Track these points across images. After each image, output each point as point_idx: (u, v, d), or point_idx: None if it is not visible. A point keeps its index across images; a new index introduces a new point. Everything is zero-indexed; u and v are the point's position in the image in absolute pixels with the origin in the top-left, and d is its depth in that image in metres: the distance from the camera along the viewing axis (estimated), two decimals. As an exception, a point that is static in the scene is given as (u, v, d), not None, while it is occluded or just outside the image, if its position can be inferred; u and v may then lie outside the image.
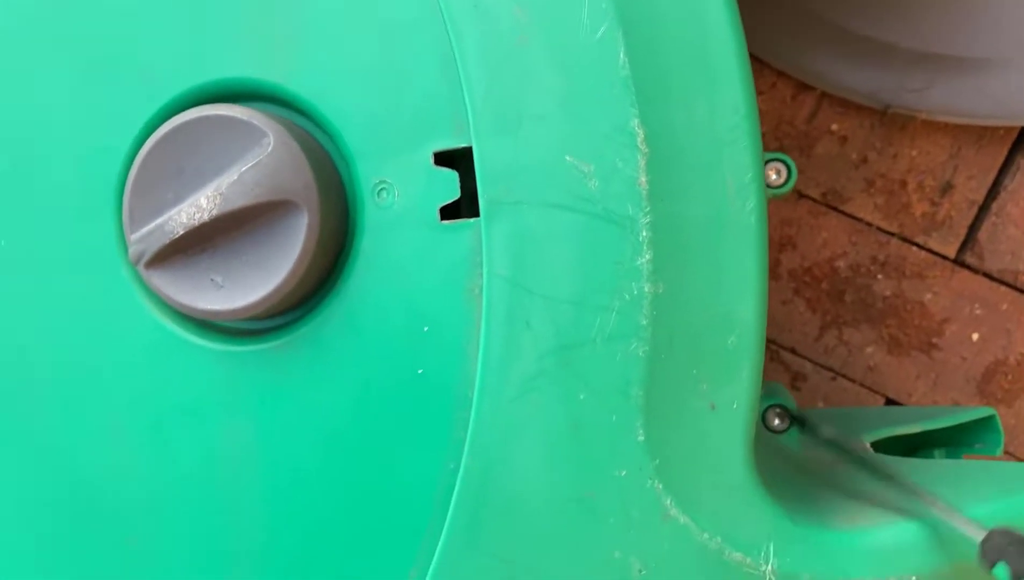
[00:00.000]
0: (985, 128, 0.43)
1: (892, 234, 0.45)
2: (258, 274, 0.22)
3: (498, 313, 0.22)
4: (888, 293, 0.45)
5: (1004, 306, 0.44)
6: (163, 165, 0.23)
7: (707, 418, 0.22)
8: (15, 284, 0.24)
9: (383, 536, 0.23)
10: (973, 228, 0.44)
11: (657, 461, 0.22)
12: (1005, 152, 0.43)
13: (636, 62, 0.21)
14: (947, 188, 0.44)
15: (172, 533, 0.24)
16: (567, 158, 0.21)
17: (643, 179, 0.21)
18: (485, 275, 0.22)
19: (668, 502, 0.22)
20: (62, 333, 0.24)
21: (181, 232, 0.22)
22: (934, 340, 0.44)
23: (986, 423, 0.37)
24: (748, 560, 0.22)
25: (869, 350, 0.45)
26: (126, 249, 0.24)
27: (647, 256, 0.21)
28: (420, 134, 0.22)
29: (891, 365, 0.45)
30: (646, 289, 0.21)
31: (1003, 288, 0.44)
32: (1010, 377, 0.44)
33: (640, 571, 0.22)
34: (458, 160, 0.22)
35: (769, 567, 0.22)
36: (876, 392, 0.46)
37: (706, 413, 0.22)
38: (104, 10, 0.23)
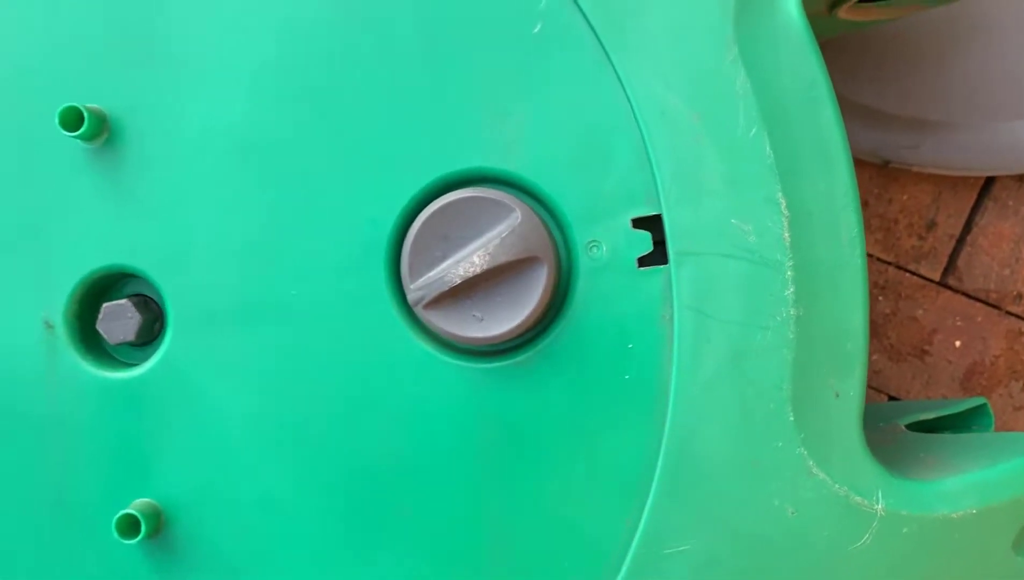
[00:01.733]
0: (960, 177, 0.54)
1: (889, 263, 0.55)
2: (510, 310, 0.31)
3: (686, 333, 0.30)
4: (887, 311, 0.55)
5: (979, 318, 0.54)
6: (433, 232, 0.31)
7: (833, 403, 0.31)
8: (306, 325, 0.32)
9: (602, 493, 0.31)
10: (953, 257, 0.54)
11: (802, 435, 0.30)
12: (975, 195, 0.54)
13: (777, 152, 0.30)
14: (931, 225, 0.54)
15: (442, 514, 0.32)
16: (732, 221, 0.30)
17: (786, 235, 0.30)
18: (675, 306, 0.30)
19: (811, 464, 0.30)
20: (345, 363, 0.32)
21: (458, 281, 0.30)
22: (925, 348, 0.55)
23: (980, 410, 0.47)
24: (866, 502, 0.31)
25: (874, 357, 0.55)
26: (397, 294, 0.32)
27: (791, 289, 0.30)
28: (621, 206, 0.31)
29: (891, 369, 0.55)
30: (791, 313, 0.30)
31: (978, 304, 0.54)
32: (986, 375, 0.54)
33: (792, 513, 0.31)
34: (650, 223, 0.31)
35: (880, 506, 0.31)
36: (880, 391, 0.56)
37: (832, 399, 0.31)
38: (372, 112, 0.32)
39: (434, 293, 0.30)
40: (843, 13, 0.39)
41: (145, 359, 0.33)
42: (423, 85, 0.31)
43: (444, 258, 0.31)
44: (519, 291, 0.30)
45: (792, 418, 0.30)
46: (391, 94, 0.31)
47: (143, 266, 0.32)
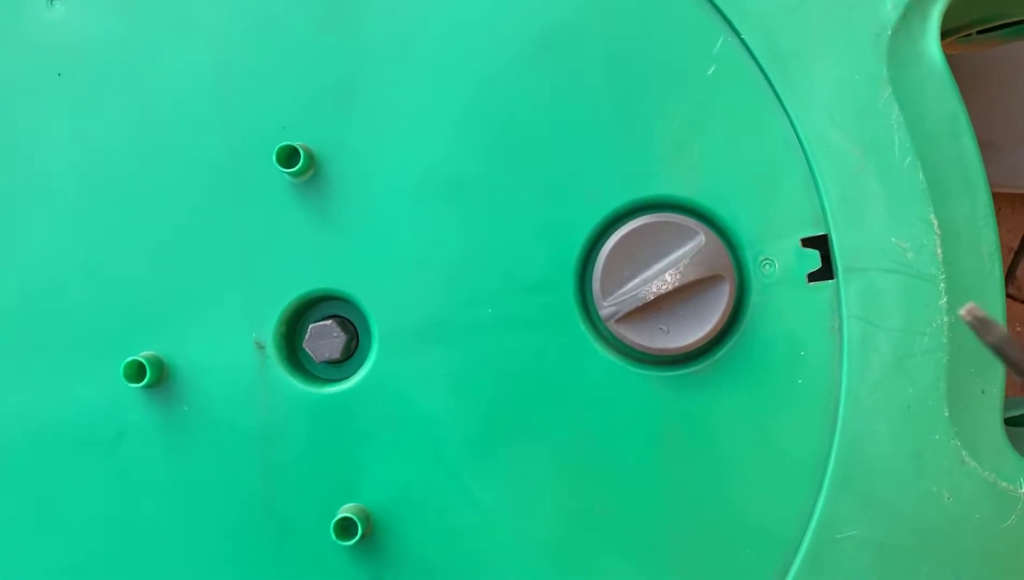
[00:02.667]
0: (1018, 194, 0.58)
1: (953, 274, 0.59)
2: (695, 324, 0.34)
3: (854, 340, 0.34)
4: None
5: (1037, 324, 0.58)
6: (623, 254, 0.34)
7: (980, 399, 0.35)
8: (502, 340, 0.35)
9: (779, 487, 0.34)
10: (1012, 267, 0.59)
11: (956, 428, 0.34)
12: (1031, 211, 0.59)
13: (928, 178, 0.34)
14: (992, 239, 0.58)
15: (637, 511, 0.35)
16: (892, 239, 0.34)
17: (939, 251, 0.34)
18: (843, 316, 0.34)
19: (964, 454, 0.34)
20: (539, 373, 0.35)
21: (652, 298, 0.34)
22: (989, 352, 0.59)
23: (1055, 408, 0.51)
24: (1011, 487, 0.35)
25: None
26: (583, 311, 0.35)
27: (944, 299, 0.34)
28: (791, 227, 0.34)
29: (957, 373, 0.59)
30: (945, 320, 0.34)
31: (1035, 311, 0.59)
32: (1046, 377, 0.59)
33: (948, 498, 0.34)
34: (818, 242, 0.35)
35: (1023, 491, 0.35)
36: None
37: (980, 397, 0.35)
38: (565, 147, 0.35)
39: (627, 309, 0.34)
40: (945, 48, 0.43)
41: (342, 376, 0.36)
42: (611, 123, 0.34)
43: (632, 277, 0.34)
44: (703, 306, 0.34)
45: (947, 414, 0.34)
46: (582, 130, 0.34)
47: (350, 289, 0.35)
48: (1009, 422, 0.48)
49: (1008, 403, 0.50)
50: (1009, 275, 0.57)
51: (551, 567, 0.35)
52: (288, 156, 0.34)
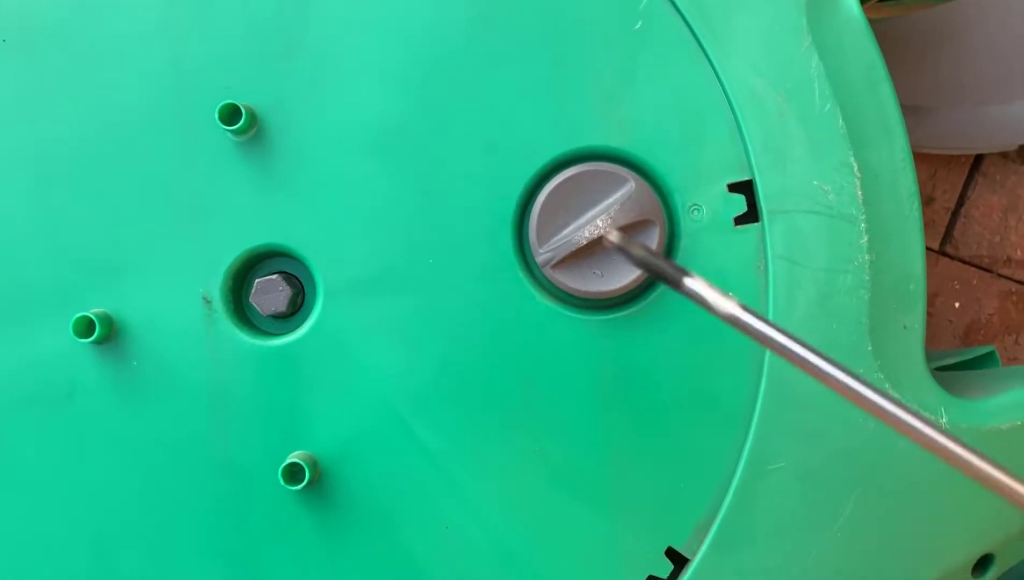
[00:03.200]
0: (953, 156, 0.60)
1: (893, 235, 0.61)
2: (627, 267, 0.35)
3: (779, 280, 0.35)
4: (894, 278, 0.61)
5: (974, 281, 0.61)
6: (557, 202, 0.36)
7: (902, 335, 0.36)
8: (443, 289, 0.36)
9: (712, 423, 0.36)
10: (949, 228, 0.61)
11: (879, 362, 0.36)
12: (967, 172, 0.61)
13: (848, 124, 0.36)
14: (930, 200, 0.60)
15: (573, 447, 0.36)
16: (815, 183, 0.36)
17: (859, 193, 0.36)
18: (769, 257, 0.36)
19: (887, 387, 0.36)
20: (480, 321, 0.36)
21: (585, 242, 0.35)
22: (929, 310, 0.61)
23: (988, 357, 0.53)
24: (932, 417, 0.36)
25: (884, 321, 0.61)
26: (521, 259, 0.36)
27: (865, 238, 0.36)
28: (718, 174, 0.36)
29: (899, 331, 0.61)
30: (866, 258, 0.36)
31: (972, 269, 0.61)
32: (983, 331, 0.61)
33: (872, 428, 0.36)
34: (743, 187, 0.36)
35: (944, 421, 0.36)
36: (891, 352, 0.62)
37: (902, 332, 0.36)
38: (500, 102, 0.36)
39: (561, 254, 0.35)
40: (870, 12, 0.45)
41: (289, 329, 0.37)
42: (544, 78, 0.36)
43: (567, 225, 0.35)
44: (636, 249, 0.35)
45: (870, 348, 0.35)
46: (517, 86, 0.36)
47: (294, 244, 0.36)
48: (942, 369, 0.50)
49: (939, 355, 0.52)
50: (946, 235, 0.59)
51: (498, 508, 0.36)
52: (230, 114, 0.35)
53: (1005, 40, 0.57)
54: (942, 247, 0.60)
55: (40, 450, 0.37)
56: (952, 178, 0.59)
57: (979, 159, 0.60)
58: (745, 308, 0.24)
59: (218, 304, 0.36)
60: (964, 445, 0.20)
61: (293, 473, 0.35)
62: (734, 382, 0.35)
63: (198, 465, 0.36)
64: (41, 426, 0.36)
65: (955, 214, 0.59)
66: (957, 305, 0.60)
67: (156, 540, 0.37)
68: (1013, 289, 0.60)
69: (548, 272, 0.35)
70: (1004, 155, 0.59)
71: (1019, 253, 0.59)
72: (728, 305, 0.24)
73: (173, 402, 0.36)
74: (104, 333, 0.36)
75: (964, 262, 0.60)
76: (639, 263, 0.28)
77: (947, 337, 0.60)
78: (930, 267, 0.60)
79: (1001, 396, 0.38)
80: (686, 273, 0.25)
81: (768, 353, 0.35)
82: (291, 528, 0.37)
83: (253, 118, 0.36)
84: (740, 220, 0.35)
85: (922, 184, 0.60)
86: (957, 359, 0.51)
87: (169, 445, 0.36)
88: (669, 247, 0.36)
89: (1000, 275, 0.60)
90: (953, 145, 0.59)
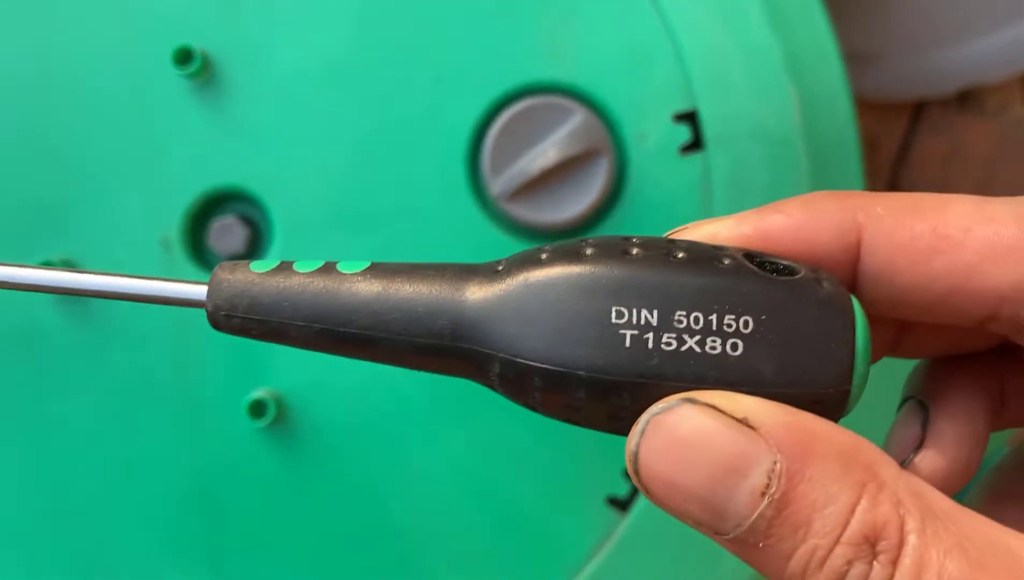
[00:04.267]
0: (894, 103, 0.62)
1: (840, 183, 0.63)
2: (580, 196, 0.36)
3: (723, 203, 0.37)
4: (842, 225, 0.63)
5: (919, 226, 0.63)
6: (508, 135, 0.37)
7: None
8: (400, 225, 0.37)
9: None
10: (895, 174, 0.63)
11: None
12: (909, 119, 0.63)
13: (785, 52, 0.37)
14: (874, 148, 0.62)
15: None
16: (756, 109, 0.37)
17: (797, 118, 0.37)
18: (714, 182, 0.37)
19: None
20: (436, 254, 0.37)
21: (537, 173, 0.36)
22: (877, 255, 0.63)
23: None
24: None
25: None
26: (474, 193, 0.37)
27: (804, 161, 0.37)
28: (663, 104, 0.37)
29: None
30: (807, 181, 0.37)
31: (917, 213, 0.63)
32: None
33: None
34: (687, 117, 0.37)
35: (886, 337, 0.38)
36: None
37: (842, 252, 0.38)
38: (449, 39, 0.37)
39: (515, 185, 0.36)
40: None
41: (248, 271, 0.37)
42: (489, 13, 0.36)
43: (519, 157, 0.36)
44: (586, 179, 0.36)
45: (813, 268, 0.37)
46: (464, 22, 0.36)
47: (250, 185, 0.37)
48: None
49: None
50: (892, 181, 0.61)
51: (463, 441, 0.37)
52: (183, 57, 0.36)
53: (942, -13, 0.59)
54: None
55: (5, 397, 0.37)
56: (894, 125, 0.61)
57: (920, 106, 0.62)
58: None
59: (176, 247, 0.37)
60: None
61: (257, 408, 0.36)
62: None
63: (161, 407, 0.37)
64: (6, 373, 0.37)
65: (899, 160, 0.61)
66: (904, 249, 0.62)
67: (118, 482, 0.37)
68: (957, 232, 0.61)
69: (503, 204, 0.36)
70: (945, 101, 0.61)
71: (961, 197, 0.61)
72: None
73: (133, 344, 0.37)
74: (63, 278, 0.36)
75: (909, 207, 0.62)
76: None
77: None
78: (877, 213, 0.62)
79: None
80: None
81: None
82: (254, 468, 0.37)
83: (206, 60, 0.36)
84: (686, 149, 0.36)
85: (866, 131, 0.61)
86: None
87: (130, 388, 0.37)
88: (619, 176, 0.37)
89: (944, 218, 0.61)
90: (896, 92, 0.61)
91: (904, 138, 0.62)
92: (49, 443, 0.37)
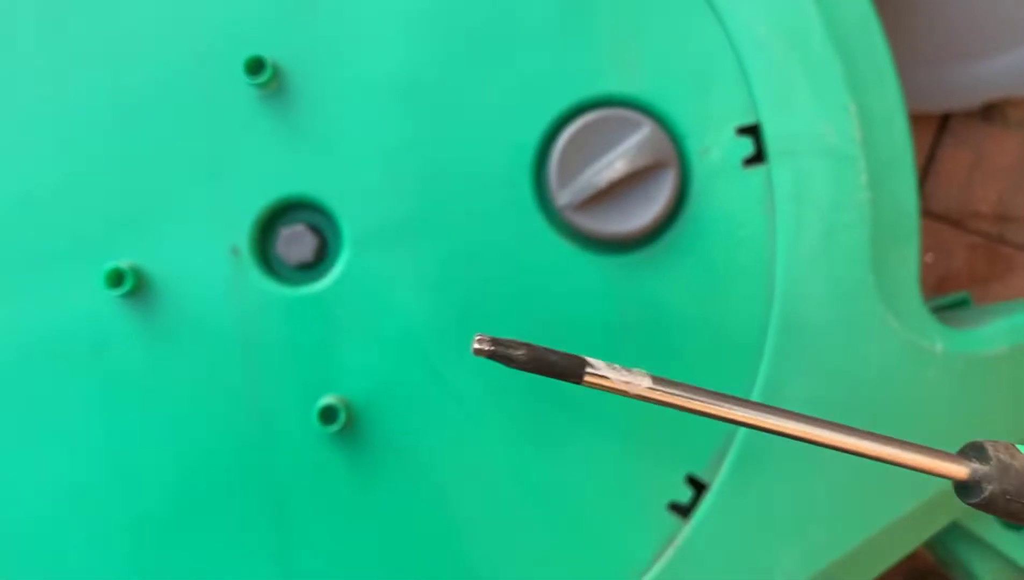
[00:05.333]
0: (920, 115, 0.63)
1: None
2: (644, 208, 0.37)
3: (786, 218, 0.37)
4: (869, 234, 0.64)
5: (945, 236, 0.64)
6: (575, 147, 0.37)
7: (900, 268, 0.39)
8: (466, 234, 0.38)
9: (726, 355, 0.38)
10: (920, 184, 0.64)
11: (880, 293, 0.38)
12: (935, 131, 0.64)
13: (845, 68, 0.38)
14: (901, 158, 0.63)
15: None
16: (817, 124, 0.38)
17: (858, 134, 0.38)
18: (776, 196, 0.38)
19: (888, 316, 0.38)
20: (502, 264, 0.38)
21: (604, 185, 0.37)
22: (902, 264, 0.64)
23: (962, 302, 0.56)
24: (928, 344, 0.39)
25: (860, 275, 0.64)
26: (539, 203, 0.38)
27: (864, 176, 0.38)
28: (726, 118, 0.38)
29: (874, 285, 0.64)
30: (866, 196, 0.38)
31: (942, 224, 0.64)
32: (953, 281, 0.64)
33: (875, 356, 0.38)
34: (750, 130, 0.38)
35: (939, 348, 0.39)
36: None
37: (899, 265, 0.39)
38: (516, 52, 0.38)
39: (581, 197, 0.37)
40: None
41: (314, 278, 0.38)
42: (558, 28, 0.37)
43: (585, 168, 0.37)
44: (651, 191, 0.37)
45: (872, 281, 0.38)
46: (532, 36, 0.37)
47: (319, 194, 0.37)
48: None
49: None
50: (919, 191, 0.62)
51: (524, 445, 0.38)
52: (255, 67, 0.36)
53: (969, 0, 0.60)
54: (913, 203, 0.63)
55: (72, 404, 0.37)
56: (921, 137, 0.62)
57: (946, 118, 0.63)
58: (657, 380, 0.21)
59: (246, 255, 0.37)
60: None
61: (328, 415, 0.36)
62: (746, 314, 0.37)
63: (230, 414, 0.37)
64: (73, 380, 0.37)
65: (925, 171, 0.62)
66: (929, 259, 0.63)
67: (189, 490, 0.37)
68: (980, 242, 0.63)
69: (568, 215, 0.37)
70: (969, 114, 0.62)
71: (985, 208, 0.62)
72: (639, 381, 0.21)
73: (203, 353, 0.37)
74: (134, 284, 0.36)
75: (934, 217, 0.63)
76: (525, 364, 0.22)
77: (925, 288, 0.63)
78: (903, 222, 0.63)
79: (989, 326, 0.41)
80: (585, 362, 0.21)
81: (777, 287, 0.37)
82: (323, 473, 0.38)
83: (276, 71, 0.37)
84: (748, 162, 0.37)
85: (893, 143, 0.63)
86: (935, 305, 0.53)
87: (200, 395, 0.37)
88: (683, 190, 0.38)
89: (968, 229, 0.63)
90: (922, 105, 0.62)
91: (930, 150, 0.63)
92: (121, 451, 0.37)
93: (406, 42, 0.37)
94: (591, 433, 0.38)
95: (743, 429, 0.37)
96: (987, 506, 0.22)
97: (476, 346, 0.21)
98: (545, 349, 0.21)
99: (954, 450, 0.38)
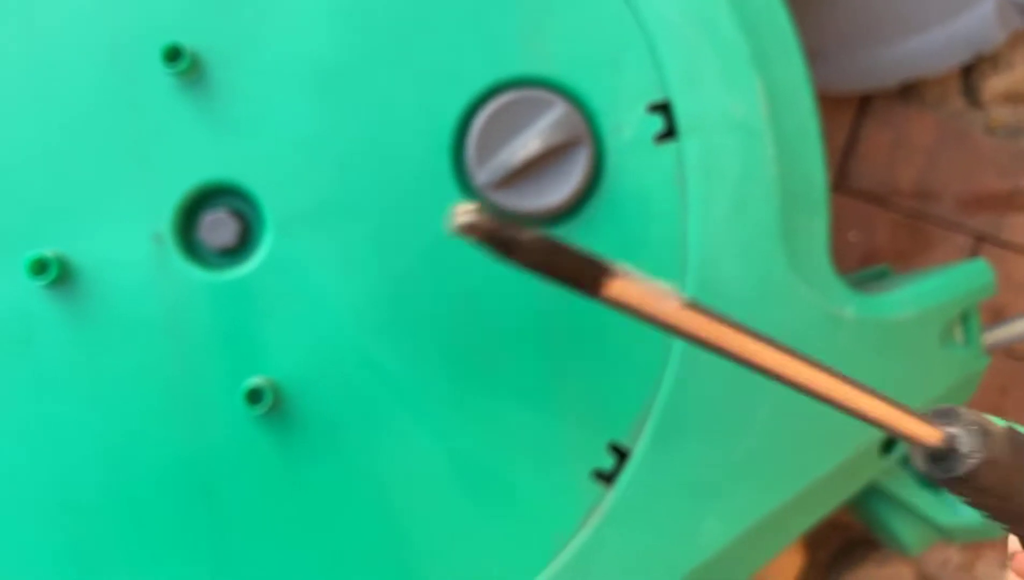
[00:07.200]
0: (841, 97, 0.65)
1: (792, 174, 0.66)
2: (561, 184, 0.38)
3: (697, 191, 0.39)
4: (795, 214, 0.66)
5: (866, 213, 0.66)
6: (493, 126, 0.38)
7: (809, 236, 0.40)
8: (388, 215, 0.38)
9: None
10: (843, 164, 0.66)
11: (790, 261, 0.39)
12: (855, 111, 0.66)
13: (752, 48, 0.39)
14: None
15: (519, 359, 0.39)
16: (725, 101, 0.39)
17: (764, 109, 0.39)
18: (687, 170, 0.39)
19: (798, 283, 0.40)
20: (424, 241, 0.38)
21: (520, 163, 0.38)
22: (828, 241, 0.66)
23: (884, 272, 0.58)
24: (839, 310, 0.40)
25: (789, 254, 0.66)
26: (459, 182, 0.39)
27: (771, 150, 0.39)
28: (638, 96, 0.39)
29: (803, 263, 0.66)
30: (773, 169, 0.39)
31: (864, 202, 0.66)
32: (877, 257, 0.66)
33: (787, 321, 0.40)
34: (661, 108, 0.39)
35: (849, 313, 0.40)
36: (796, 282, 0.67)
37: (808, 235, 0.40)
38: (434, 37, 0.38)
39: (499, 175, 0.38)
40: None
41: (237, 263, 0.38)
42: (472, 11, 0.38)
43: (503, 148, 0.38)
44: (566, 168, 0.38)
45: (781, 250, 0.39)
46: (447, 20, 0.38)
47: (241, 179, 0.38)
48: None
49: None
50: (841, 171, 0.64)
51: (453, 420, 0.38)
52: (172, 55, 0.37)
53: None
54: (837, 183, 0.65)
55: (3, 396, 0.37)
56: (843, 119, 0.64)
57: (866, 100, 0.65)
58: (694, 305, 0.17)
59: (169, 241, 0.38)
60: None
61: (254, 396, 0.37)
62: (665, 267, 0.38)
63: (158, 399, 0.38)
64: (3, 372, 0.37)
65: (847, 151, 0.64)
66: (853, 236, 0.65)
67: (117, 473, 0.38)
68: (902, 219, 0.65)
69: (487, 193, 0.38)
70: (888, 95, 0.64)
71: (905, 185, 0.64)
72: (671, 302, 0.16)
73: (130, 339, 0.37)
74: (58, 273, 0.37)
75: (857, 196, 0.65)
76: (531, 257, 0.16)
77: (846, 266, 0.65)
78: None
79: (898, 292, 0.42)
80: (611, 267, 0.16)
81: (691, 257, 0.38)
82: (253, 455, 0.38)
83: (195, 59, 0.37)
84: (660, 138, 0.38)
85: (816, 125, 0.64)
86: (858, 277, 0.55)
87: (128, 381, 0.38)
88: (599, 166, 0.39)
89: (890, 207, 0.65)
90: (843, 87, 0.64)
91: (851, 129, 0.65)
92: (50, 439, 0.37)
93: (323, 29, 0.38)
94: (516, 406, 0.39)
95: (662, 395, 0.39)
96: (968, 481, 0.19)
97: (460, 220, 0.15)
98: (556, 243, 0.15)
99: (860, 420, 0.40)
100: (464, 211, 0.15)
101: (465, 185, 0.38)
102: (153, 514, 0.38)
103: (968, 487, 0.19)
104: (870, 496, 0.48)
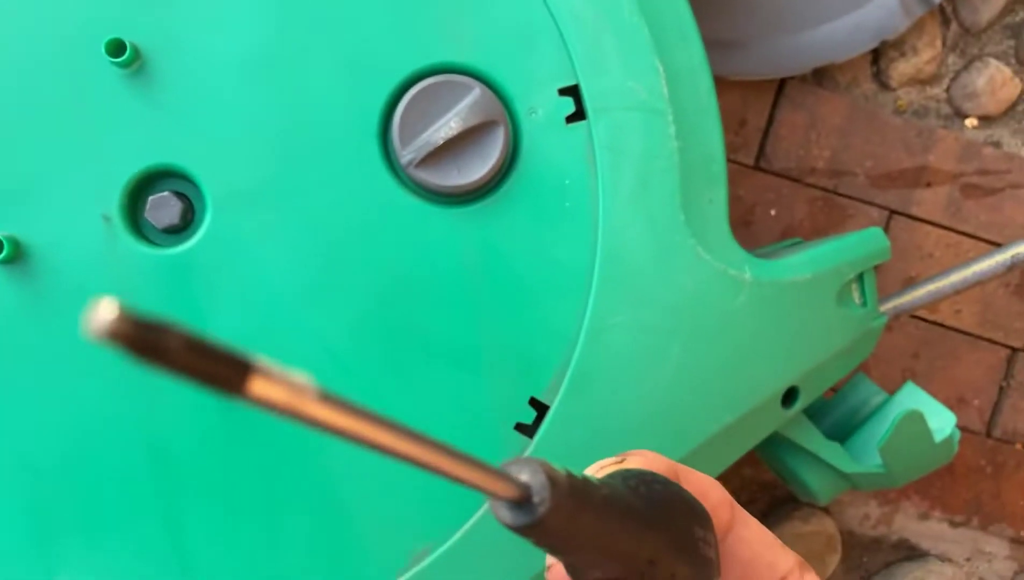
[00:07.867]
0: (760, 82, 0.69)
1: (715, 155, 0.70)
2: (480, 162, 0.42)
3: (605, 167, 0.42)
4: (719, 193, 0.70)
5: (786, 191, 0.70)
6: (415, 110, 0.42)
7: (709, 207, 0.44)
8: (320, 193, 0.42)
9: (559, 291, 0.43)
10: (762, 146, 0.70)
11: (691, 230, 0.43)
12: (773, 95, 0.70)
13: (652, 33, 0.43)
14: (743, 122, 0.69)
15: (443, 322, 0.42)
16: (629, 83, 0.43)
17: (665, 90, 0.43)
18: (596, 148, 0.42)
19: (699, 250, 0.43)
20: (354, 219, 0.42)
21: (441, 142, 0.41)
22: (748, 218, 0.70)
23: (796, 244, 0.62)
24: (738, 273, 0.44)
25: (713, 231, 0.70)
26: (387, 162, 0.42)
27: (673, 128, 0.43)
28: (549, 80, 0.43)
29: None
30: (675, 145, 0.43)
31: (783, 180, 0.70)
32: (795, 233, 0.70)
33: (689, 285, 0.43)
34: (571, 91, 0.43)
35: (747, 276, 0.44)
36: (721, 257, 0.71)
37: (708, 205, 0.44)
38: (359, 28, 0.42)
39: (423, 154, 0.41)
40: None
41: (182, 241, 0.42)
42: (395, 4, 0.41)
43: (425, 129, 0.41)
44: (485, 147, 0.42)
45: (683, 219, 0.43)
46: (372, 13, 0.41)
47: (182, 162, 0.41)
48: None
49: (757, 251, 0.60)
50: (760, 152, 0.68)
51: (389, 383, 0.42)
52: (116, 49, 0.39)
53: (794, -22, 0.66)
54: (756, 163, 0.69)
55: (-43, 366, 0.40)
56: (760, 102, 0.68)
57: (782, 84, 0.69)
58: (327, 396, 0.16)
59: (117, 221, 0.41)
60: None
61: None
62: (574, 253, 0.42)
63: (108, 367, 0.41)
64: (-44, 344, 0.40)
65: (765, 133, 0.68)
66: (773, 212, 0.69)
67: (73, 438, 0.41)
68: (818, 196, 0.69)
69: (412, 171, 0.41)
70: (803, 78, 0.68)
71: (821, 164, 0.69)
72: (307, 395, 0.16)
73: (81, 311, 0.40)
74: (11, 253, 0.39)
75: (776, 174, 0.69)
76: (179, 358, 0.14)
77: (768, 239, 0.70)
78: (746, 180, 0.69)
79: (795, 256, 0.46)
80: (252, 364, 0.15)
81: (601, 228, 0.42)
82: (203, 421, 0.41)
83: (137, 51, 0.40)
84: (570, 119, 0.42)
85: (735, 108, 0.68)
86: (774, 249, 0.59)
87: (81, 358, 0.41)
88: (515, 147, 0.42)
89: (807, 184, 0.69)
90: (760, 73, 0.68)
91: (769, 113, 0.69)
92: (5, 419, 0.40)
93: (256, 21, 0.41)
94: (444, 367, 0.42)
95: (578, 353, 0.42)
96: (539, 527, 0.19)
97: (99, 324, 0.13)
98: (202, 344, 0.14)
99: (762, 367, 0.44)
100: (106, 310, 0.13)
101: (393, 165, 0.42)
102: (111, 496, 0.41)
103: (540, 532, 0.20)
104: (779, 448, 0.52)
